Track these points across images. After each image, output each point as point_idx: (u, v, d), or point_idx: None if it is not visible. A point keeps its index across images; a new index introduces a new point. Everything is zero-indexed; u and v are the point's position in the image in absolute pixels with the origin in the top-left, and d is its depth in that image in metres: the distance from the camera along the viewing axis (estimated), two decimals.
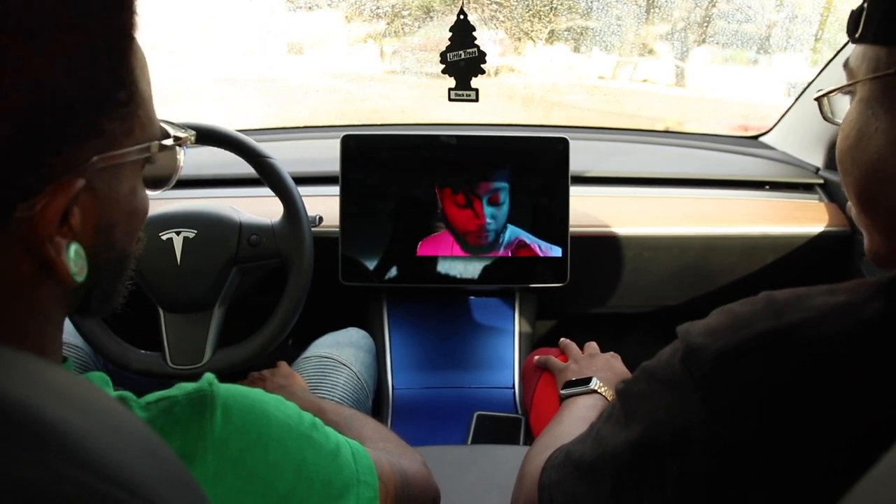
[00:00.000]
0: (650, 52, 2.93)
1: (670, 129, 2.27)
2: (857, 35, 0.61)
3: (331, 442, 0.63)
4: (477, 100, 1.17)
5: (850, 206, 0.65)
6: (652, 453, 0.60)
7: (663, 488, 0.58)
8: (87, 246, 0.51)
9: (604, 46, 2.73)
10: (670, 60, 3.07)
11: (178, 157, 0.62)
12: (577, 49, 2.68)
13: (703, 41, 2.74)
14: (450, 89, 1.19)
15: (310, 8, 2.16)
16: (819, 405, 0.52)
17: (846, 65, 0.63)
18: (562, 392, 1.21)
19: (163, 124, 0.58)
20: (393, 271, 1.52)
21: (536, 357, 1.42)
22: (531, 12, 2.10)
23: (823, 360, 0.52)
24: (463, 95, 1.18)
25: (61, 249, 0.48)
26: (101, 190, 0.51)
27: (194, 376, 1.25)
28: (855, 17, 0.61)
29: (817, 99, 0.68)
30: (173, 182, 0.64)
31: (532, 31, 2.24)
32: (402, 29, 2.20)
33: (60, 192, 0.47)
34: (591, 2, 2.15)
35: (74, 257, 0.49)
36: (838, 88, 0.64)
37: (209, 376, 0.56)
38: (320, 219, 1.41)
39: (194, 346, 1.29)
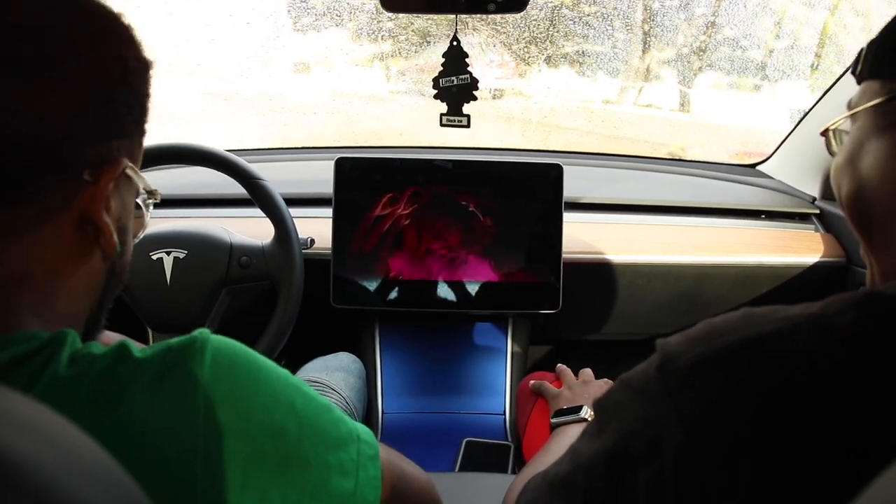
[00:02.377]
0: (655, 77, 2.95)
1: (667, 156, 2.27)
2: (857, 75, 0.65)
3: (322, 399, 0.62)
4: (468, 126, 1.17)
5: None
6: (625, 462, 0.59)
7: (635, 497, 0.58)
8: None
9: (609, 71, 2.75)
10: (675, 86, 3.08)
11: (146, 212, 0.70)
12: (581, 73, 2.69)
13: (708, 67, 2.75)
14: (441, 115, 1.19)
15: (306, 31, 2.18)
16: (790, 415, 0.52)
17: (849, 104, 0.66)
18: (552, 420, 1.20)
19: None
20: (385, 295, 1.52)
21: (531, 381, 1.41)
22: (528, 38, 2.11)
23: (795, 370, 0.53)
24: (455, 121, 1.18)
25: (108, 219, 0.58)
26: (121, 192, 0.61)
27: None
28: (857, 59, 0.65)
29: (824, 134, 0.71)
30: (143, 234, 0.73)
31: (529, 57, 2.25)
32: (400, 52, 2.22)
33: (111, 169, 0.57)
34: (588, 28, 2.16)
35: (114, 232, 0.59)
36: (841, 118, 0.67)
37: (201, 329, 0.57)
38: (312, 241, 1.41)
39: None
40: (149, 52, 0.62)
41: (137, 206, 0.68)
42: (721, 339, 0.56)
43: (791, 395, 0.52)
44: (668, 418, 0.56)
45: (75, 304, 0.60)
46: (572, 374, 1.38)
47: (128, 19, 0.61)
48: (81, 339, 0.59)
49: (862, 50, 0.65)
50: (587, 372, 1.37)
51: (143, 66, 0.61)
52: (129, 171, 0.60)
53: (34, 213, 0.54)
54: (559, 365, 1.42)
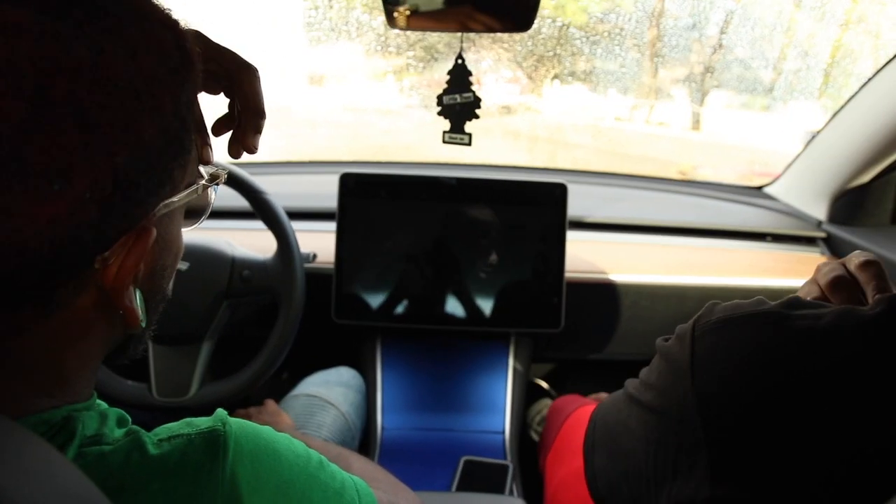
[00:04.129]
0: (666, 95, 2.94)
1: (674, 177, 2.26)
2: None
3: (336, 481, 0.62)
4: (470, 144, 1.17)
5: None
6: (655, 401, 0.64)
7: (665, 433, 0.62)
8: (143, 291, 0.54)
9: (620, 88, 2.75)
10: (686, 104, 3.08)
11: (210, 192, 0.63)
12: (593, 90, 2.70)
13: (720, 87, 2.75)
14: (444, 132, 1.19)
15: (318, 44, 2.19)
16: (794, 383, 0.54)
17: None
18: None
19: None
20: (387, 311, 1.52)
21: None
22: (536, 56, 2.11)
23: (815, 345, 0.54)
24: (457, 139, 1.17)
25: (133, 298, 0.51)
26: (161, 236, 0.54)
27: (179, 409, 1.26)
28: None
29: None
30: (206, 217, 0.65)
31: (538, 74, 2.25)
32: (408, 67, 2.22)
33: (139, 244, 0.50)
34: (596, 47, 2.16)
35: (140, 304, 0.52)
36: None
37: (221, 413, 0.55)
38: (314, 256, 1.41)
39: (181, 379, 1.29)
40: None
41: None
42: (759, 307, 0.59)
43: (806, 365, 0.54)
44: (686, 364, 0.60)
45: (91, 368, 0.56)
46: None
47: (151, 22, 0.48)
48: (118, 355, 0.59)
49: None
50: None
51: (174, 113, 0.49)
52: (165, 212, 0.52)
53: (43, 311, 0.48)
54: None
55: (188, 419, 0.55)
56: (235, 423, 0.55)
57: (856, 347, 0.53)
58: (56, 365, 0.51)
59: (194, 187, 0.56)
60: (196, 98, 0.53)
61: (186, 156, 0.53)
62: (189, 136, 0.52)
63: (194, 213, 0.64)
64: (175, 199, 0.53)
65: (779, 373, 0.55)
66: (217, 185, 0.61)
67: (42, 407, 0.51)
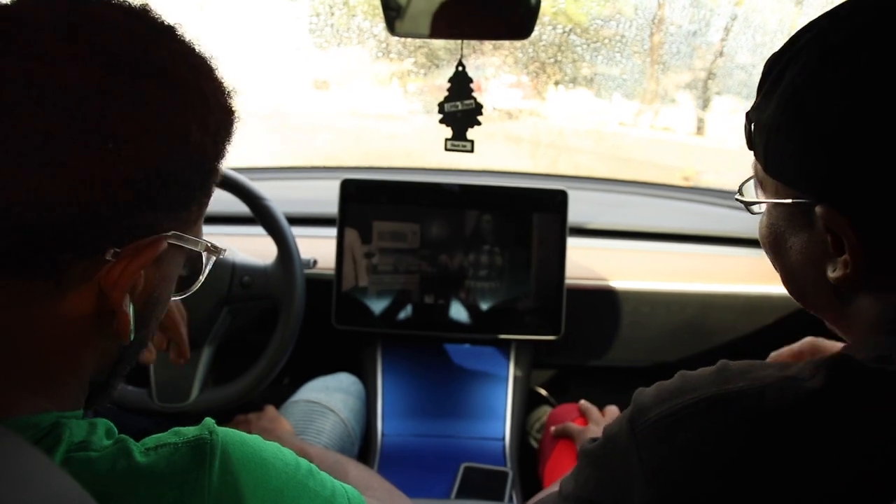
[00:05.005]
0: (671, 100, 2.94)
1: (675, 183, 2.26)
2: (753, 153, 0.64)
3: (326, 489, 0.62)
4: (472, 151, 1.17)
5: None
6: None
7: None
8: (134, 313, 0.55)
9: (624, 93, 2.74)
10: (691, 110, 3.07)
11: (204, 263, 0.65)
12: (597, 95, 2.69)
13: (724, 92, 2.74)
14: (446, 139, 1.19)
15: (322, 50, 2.19)
16: (753, 470, 0.53)
17: (755, 168, 0.65)
18: (579, 449, 1.21)
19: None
20: (386, 317, 1.52)
21: (553, 428, 1.40)
22: (538, 63, 2.11)
23: (759, 428, 0.54)
24: (459, 146, 1.18)
25: (128, 304, 0.53)
26: (163, 265, 0.56)
27: (179, 415, 1.25)
28: (746, 130, 0.63)
29: (738, 200, 0.70)
30: (197, 286, 0.67)
31: (540, 80, 2.25)
32: (410, 74, 2.23)
33: (149, 250, 0.52)
34: (595, 53, 2.16)
35: (133, 315, 0.54)
36: (755, 201, 0.66)
37: (209, 422, 0.56)
38: (315, 262, 1.41)
39: (181, 385, 1.29)
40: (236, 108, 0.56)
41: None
42: (691, 394, 0.57)
43: (756, 450, 0.53)
44: (636, 472, 0.57)
45: (81, 379, 0.57)
46: (597, 411, 1.39)
47: (216, 68, 0.55)
48: (87, 401, 0.58)
49: (749, 124, 0.63)
50: (613, 409, 1.38)
51: (214, 135, 0.54)
52: (174, 242, 0.55)
53: (48, 289, 0.50)
54: (583, 402, 1.43)
55: (176, 428, 0.56)
56: (223, 431, 0.55)
57: (806, 423, 0.53)
58: (47, 365, 0.53)
59: (201, 240, 0.59)
60: (221, 162, 0.57)
61: (206, 192, 0.57)
62: (211, 180, 0.56)
63: (185, 282, 0.66)
64: (185, 235, 0.56)
65: (741, 461, 0.54)
66: (214, 257, 0.64)
67: (30, 409, 0.51)
